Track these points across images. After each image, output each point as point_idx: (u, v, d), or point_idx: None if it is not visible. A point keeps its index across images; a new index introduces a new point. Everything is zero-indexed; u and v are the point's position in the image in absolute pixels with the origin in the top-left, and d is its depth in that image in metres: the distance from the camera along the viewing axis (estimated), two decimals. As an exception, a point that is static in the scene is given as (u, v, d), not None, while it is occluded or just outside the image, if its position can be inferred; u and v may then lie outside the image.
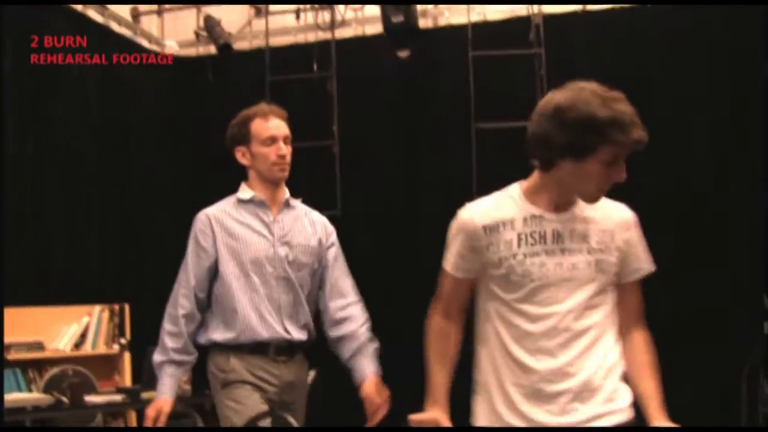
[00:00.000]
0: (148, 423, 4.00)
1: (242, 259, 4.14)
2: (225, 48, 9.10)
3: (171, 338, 4.16)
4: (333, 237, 4.53)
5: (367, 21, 8.90)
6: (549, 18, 8.32)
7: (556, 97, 2.92)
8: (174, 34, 9.55)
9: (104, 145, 8.47)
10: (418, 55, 8.55)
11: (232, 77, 9.27)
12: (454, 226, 3.09)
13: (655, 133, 8.01)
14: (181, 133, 9.37)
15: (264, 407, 4.01)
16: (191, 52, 9.57)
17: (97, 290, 7.91)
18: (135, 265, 8.55)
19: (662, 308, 7.61)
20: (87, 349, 7.59)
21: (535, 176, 3.05)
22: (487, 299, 3.05)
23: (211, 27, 9.06)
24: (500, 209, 3.02)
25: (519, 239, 2.96)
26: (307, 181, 9.01)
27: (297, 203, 4.49)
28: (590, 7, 8.29)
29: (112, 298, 7.84)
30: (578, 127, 2.83)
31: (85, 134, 8.25)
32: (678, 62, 8.04)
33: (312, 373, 5.50)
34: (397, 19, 8.32)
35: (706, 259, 7.73)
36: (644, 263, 3.14)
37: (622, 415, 3.00)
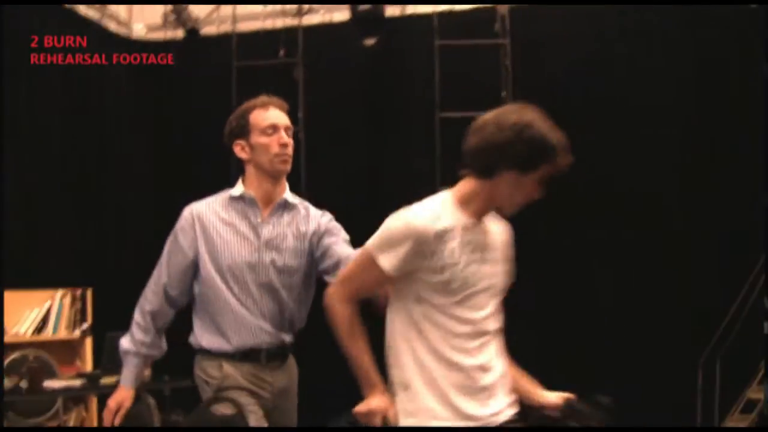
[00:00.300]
0: (109, 416, 3.89)
1: (220, 263, 3.89)
2: (192, 33, 9.10)
3: (139, 331, 4.04)
4: (326, 223, 4.09)
5: (335, 8, 8.90)
6: (515, 9, 8.36)
7: (515, 112, 3.08)
8: (141, 17, 9.51)
9: (68, 129, 8.45)
10: (384, 43, 8.57)
11: (198, 62, 9.26)
12: (403, 229, 3.07)
13: (618, 125, 8.15)
14: (146, 117, 9.35)
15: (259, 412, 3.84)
16: (158, 36, 9.53)
17: (59, 275, 7.87)
18: (97, 251, 8.54)
19: (629, 302, 7.77)
20: (48, 333, 7.59)
21: (469, 184, 3.15)
22: (413, 302, 3.10)
23: (178, 11, 9.05)
24: (443, 218, 3.08)
25: (461, 248, 3.06)
26: (272, 168, 9.07)
27: (297, 201, 4.11)
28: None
29: (74, 282, 7.82)
30: (533, 144, 3.02)
31: (48, 117, 8.23)
32: (641, 58, 8.11)
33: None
34: (364, 7, 8.35)
35: (668, 256, 7.84)
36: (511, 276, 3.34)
37: (516, 403, 3.26)
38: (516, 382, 3.30)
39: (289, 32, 8.95)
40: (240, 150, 3.98)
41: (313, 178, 8.42)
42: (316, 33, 8.95)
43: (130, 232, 9.17)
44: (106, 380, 6.65)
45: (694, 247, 7.81)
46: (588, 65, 8.22)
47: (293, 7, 8.90)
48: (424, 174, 8.01)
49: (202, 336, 3.93)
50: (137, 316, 4.06)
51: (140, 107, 9.32)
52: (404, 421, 3.07)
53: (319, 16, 9.03)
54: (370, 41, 8.55)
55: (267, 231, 3.95)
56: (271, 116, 3.99)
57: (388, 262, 3.07)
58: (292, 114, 8.70)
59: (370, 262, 3.11)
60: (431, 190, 7.93)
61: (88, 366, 7.60)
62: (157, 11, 9.29)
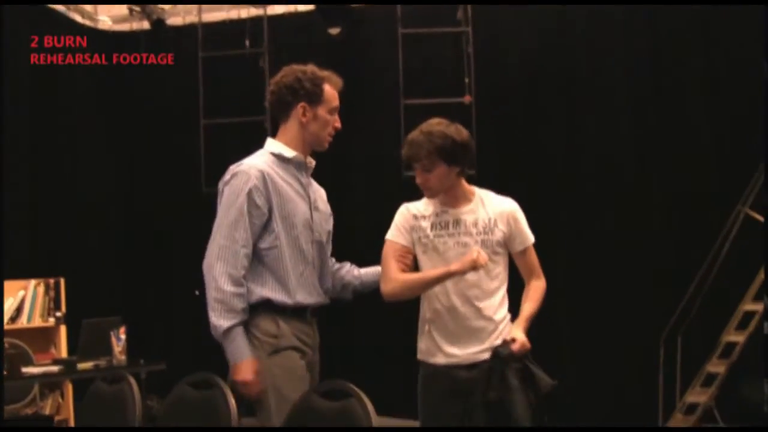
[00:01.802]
0: (255, 386, 3.76)
1: (288, 220, 3.92)
2: (158, 23, 9.16)
3: (239, 299, 3.80)
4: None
5: (301, -3, 8.98)
6: (477, -3, 8.45)
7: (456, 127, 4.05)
8: (107, 9, 9.57)
9: (36, 119, 8.50)
10: (349, 32, 8.66)
11: (164, 53, 9.27)
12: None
13: (576, 116, 8.26)
14: (114, 108, 9.41)
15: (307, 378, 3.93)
16: (125, 27, 9.60)
17: (32, 265, 7.95)
18: (70, 240, 8.61)
19: (588, 281, 7.92)
20: (23, 322, 7.67)
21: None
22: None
23: (144, 2, 9.09)
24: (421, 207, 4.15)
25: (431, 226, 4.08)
26: (239, 156, 9.12)
27: None
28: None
29: (47, 272, 7.90)
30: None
31: (16, 109, 8.27)
32: (601, 43, 8.24)
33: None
34: (329, -4, 8.46)
35: (626, 234, 8.00)
36: None
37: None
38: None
39: (254, 22, 9.04)
40: (302, 113, 3.99)
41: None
42: (282, 22, 9.06)
43: (101, 223, 9.26)
44: (83, 366, 6.75)
45: (653, 225, 7.97)
46: (549, 52, 8.35)
47: (260, -3, 8.97)
48: (389, 160, 8.14)
49: (268, 289, 3.88)
50: (230, 287, 3.79)
51: (108, 98, 9.37)
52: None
53: (284, 5, 9.09)
54: (334, 30, 8.63)
55: (311, 192, 4.12)
56: (337, 98, 4.07)
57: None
58: (258, 103, 8.90)
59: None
60: (397, 176, 8.12)
61: (63, 353, 7.69)
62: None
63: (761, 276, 7.29)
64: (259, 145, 8.54)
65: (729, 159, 7.78)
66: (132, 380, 3.92)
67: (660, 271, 7.93)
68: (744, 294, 7.36)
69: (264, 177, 3.87)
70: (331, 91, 4.04)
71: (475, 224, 4.03)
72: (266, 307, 3.86)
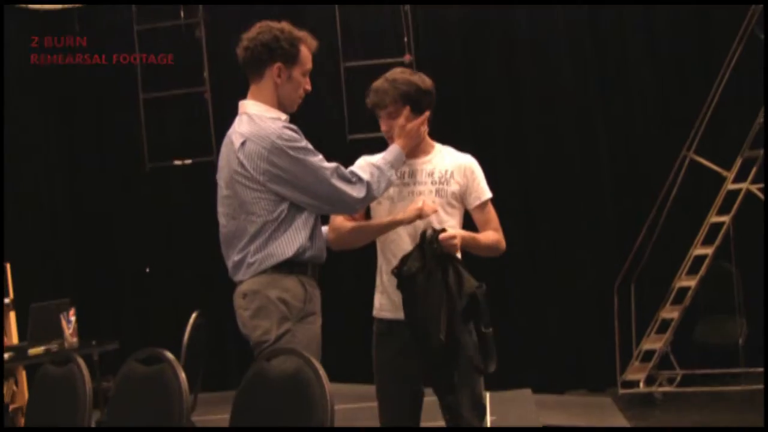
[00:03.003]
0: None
1: None
2: (90, -1, 8.99)
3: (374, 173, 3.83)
4: None
5: (236, -36, 8.85)
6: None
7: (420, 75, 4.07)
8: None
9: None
10: (284, -3, 8.56)
11: (99, 28, 9.16)
12: None
13: (517, 68, 8.21)
14: (50, 88, 9.23)
15: None
16: (57, 5, 9.39)
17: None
18: (14, 224, 8.48)
19: (546, 231, 7.93)
20: (-30, 310, 7.54)
21: None
22: None
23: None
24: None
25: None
26: (182, 129, 9.04)
27: None
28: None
29: (-9, 258, 7.76)
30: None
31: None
32: (533, 12, 8.20)
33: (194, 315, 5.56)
34: (263, -43, 8.32)
35: (579, 186, 8.07)
36: None
37: None
38: None
39: (188, -8, 8.89)
40: (277, 73, 3.83)
41: (222, 135, 8.42)
42: (216, -9, 8.92)
43: (45, 207, 9.13)
44: (34, 351, 6.66)
45: (601, 174, 8.04)
46: (488, 6, 8.27)
47: (191, -36, 8.82)
48: (333, 123, 8.10)
49: (295, 246, 3.73)
50: (366, 177, 3.80)
51: (44, 78, 9.20)
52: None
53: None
54: (270, -7, 8.51)
55: None
56: (311, 60, 3.93)
57: None
58: (196, 75, 8.75)
59: None
60: (341, 138, 8.05)
61: (14, 339, 7.58)
62: (54, -21, 9.16)
63: (710, 220, 7.38)
64: (200, 116, 8.38)
65: (672, 104, 7.84)
66: (81, 361, 3.81)
67: (610, 221, 8.01)
68: (693, 239, 7.44)
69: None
70: (306, 53, 3.88)
71: (431, 174, 4.03)
72: (290, 266, 3.73)
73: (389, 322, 3.97)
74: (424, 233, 3.81)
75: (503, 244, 4.11)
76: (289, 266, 3.72)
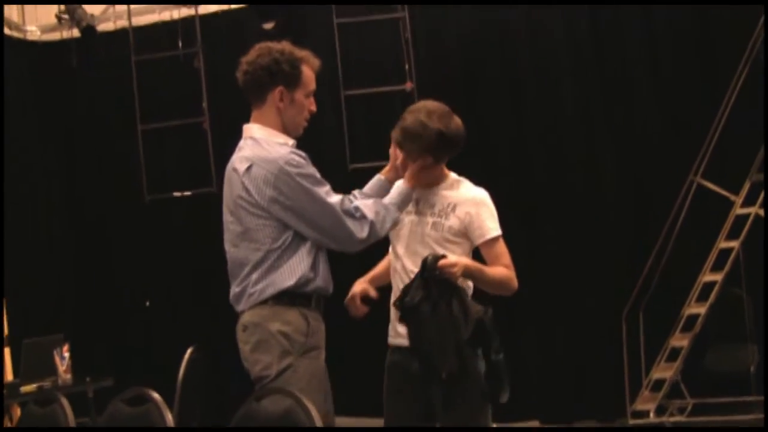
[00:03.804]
0: None
1: None
2: (88, 30, 8.91)
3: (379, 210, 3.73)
4: None
5: (232, -6, 8.81)
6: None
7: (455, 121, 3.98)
8: (35, 19, 9.34)
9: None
10: (283, 25, 8.46)
11: (97, 59, 9.12)
12: None
13: (521, 96, 8.14)
14: (47, 119, 9.17)
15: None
16: (54, 36, 9.35)
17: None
18: (10, 257, 8.37)
19: (549, 259, 7.82)
20: (-35, 346, 7.44)
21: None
22: None
23: (72, 10, 8.85)
24: None
25: None
26: (181, 160, 8.97)
27: None
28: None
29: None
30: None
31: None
32: (540, 28, 8.11)
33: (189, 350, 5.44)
34: (261, -10, 8.30)
35: (586, 214, 7.93)
36: None
37: None
38: None
39: (186, 22, 8.80)
40: (279, 97, 3.73)
41: (221, 168, 8.32)
42: (214, 20, 8.87)
43: (40, 242, 9.04)
44: (26, 388, 6.58)
45: (607, 202, 7.90)
46: (489, 33, 8.21)
47: (190, -4, 8.78)
48: (333, 153, 8.00)
49: (296, 276, 3.60)
50: (372, 216, 3.68)
51: (42, 110, 9.14)
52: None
53: (215, 4, 8.90)
54: (268, 25, 8.46)
55: None
56: (314, 81, 3.83)
57: None
58: (195, 105, 8.69)
59: None
60: (342, 165, 7.97)
61: (9, 375, 7.47)
62: (50, 11, 9.10)
63: (719, 245, 7.25)
64: (200, 146, 8.31)
65: (678, 130, 7.70)
66: (65, 401, 3.73)
67: (618, 248, 7.85)
68: (702, 265, 7.30)
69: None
70: (309, 74, 3.79)
71: (433, 206, 3.94)
72: (292, 298, 3.60)
73: (400, 350, 3.86)
74: (425, 260, 3.67)
75: (515, 282, 3.96)
76: (291, 298, 3.60)
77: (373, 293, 4.06)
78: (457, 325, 3.61)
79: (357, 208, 3.66)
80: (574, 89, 8.01)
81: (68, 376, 6.65)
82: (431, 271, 3.65)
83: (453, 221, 3.90)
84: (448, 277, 3.67)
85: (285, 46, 3.79)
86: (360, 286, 4.08)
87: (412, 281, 3.71)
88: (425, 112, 3.89)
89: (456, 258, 3.75)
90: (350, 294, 4.02)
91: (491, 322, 3.66)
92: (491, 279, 3.87)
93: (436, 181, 3.99)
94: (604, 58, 7.94)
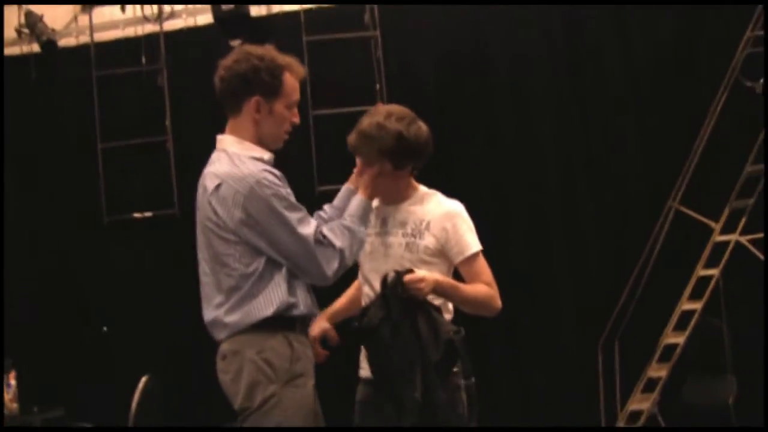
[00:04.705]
0: None
1: None
2: (49, 45, 8.66)
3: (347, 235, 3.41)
4: None
5: (198, 11, 8.60)
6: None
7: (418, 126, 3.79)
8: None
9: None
10: (250, 43, 8.24)
11: (57, 75, 8.87)
12: None
13: (494, 118, 8.01)
14: (3, 135, 8.89)
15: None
16: (14, 50, 9.08)
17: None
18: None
19: (528, 286, 7.63)
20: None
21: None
22: None
23: (32, 23, 8.61)
24: None
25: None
26: (142, 180, 8.70)
27: None
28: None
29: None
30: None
31: None
32: (514, 45, 7.97)
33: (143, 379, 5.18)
34: (228, 7, 8.09)
35: (562, 240, 7.80)
36: None
37: None
38: None
39: (150, 39, 8.61)
40: (255, 108, 3.46)
41: (184, 189, 8.08)
42: (179, 37, 8.66)
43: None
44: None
45: (583, 228, 7.75)
46: (462, 53, 8.07)
47: (154, 12, 8.54)
48: (301, 174, 7.77)
49: (275, 305, 3.31)
50: (341, 244, 3.37)
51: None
52: None
53: (181, 20, 8.71)
54: (236, 42, 8.24)
55: None
56: (298, 90, 3.56)
57: None
58: (158, 124, 8.49)
59: None
60: (310, 187, 7.77)
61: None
62: (9, 24, 8.84)
63: (698, 273, 7.08)
64: (162, 166, 8.08)
65: (655, 156, 7.58)
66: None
67: (594, 274, 7.71)
68: (681, 293, 7.13)
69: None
70: (291, 83, 3.51)
71: (403, 224, 3.70)
72: (273, 323, 3.31)
73: (370, 383, 3.60)
74: (385, 277, 3.39)
75: (497, 301, 3.73)
76: (272, 322, 3.31)
77: (332, 335, 3.75)
78: (423, 346, 3.31)
79: (326, 237, 3.38)
80: (550, 113, 7.85)
81: (14, 405, 6.37)
82: (393, 288, 3.36)
83: (428, 240, 3.64)
84: (414, 294, 3.37)
85: (267, 51, 3.54)
86: (318, 327, 3.72)
87: (373, 301, 3.43)
88: (384, 113, 3.69)
89: (424, 273, 3.45)
90: (309, 337, 3.56)
91: (462, 344, 3.36)
92: (468, 297, 3.63)
93: (404, 195, 3.76)
94: (581, 80, 7.80)
